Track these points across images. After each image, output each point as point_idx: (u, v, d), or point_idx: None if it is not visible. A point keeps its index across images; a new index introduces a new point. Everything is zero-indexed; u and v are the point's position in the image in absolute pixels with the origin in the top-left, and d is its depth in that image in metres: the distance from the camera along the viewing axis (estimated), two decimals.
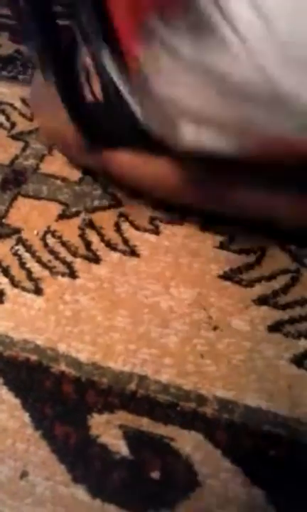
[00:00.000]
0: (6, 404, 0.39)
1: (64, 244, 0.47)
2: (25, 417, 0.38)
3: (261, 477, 0.36)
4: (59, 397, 0.39)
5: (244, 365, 0.40)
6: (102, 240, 0.47)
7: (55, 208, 0.49)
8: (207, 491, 0.36)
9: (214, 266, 0.45)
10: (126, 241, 0.47)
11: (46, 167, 0.53)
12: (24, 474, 0.35)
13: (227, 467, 0.36)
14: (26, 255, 0.46)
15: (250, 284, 0.44)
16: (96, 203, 0.50)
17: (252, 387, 0.39)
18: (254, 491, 0.36)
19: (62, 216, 0.49)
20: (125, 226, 0.48)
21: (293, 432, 0.37)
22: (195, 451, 0.37)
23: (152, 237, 0.47)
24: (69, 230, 0.48)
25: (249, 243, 0.46)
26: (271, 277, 0.44)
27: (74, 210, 0.49)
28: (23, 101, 0.59)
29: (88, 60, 0.38)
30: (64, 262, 0.46)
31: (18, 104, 0.59)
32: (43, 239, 0.47)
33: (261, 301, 0.43)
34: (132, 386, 0.39)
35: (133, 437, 0.37)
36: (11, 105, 0.58)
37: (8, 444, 0.37)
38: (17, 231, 0.48)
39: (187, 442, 0.37)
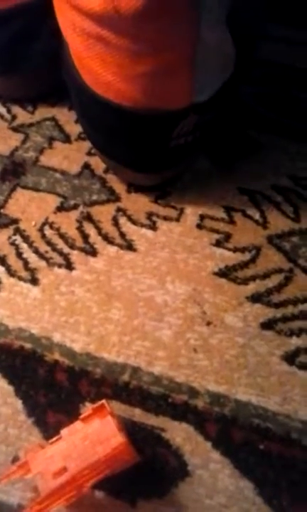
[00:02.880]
0: (0, 390, 0.39)
1: (61, 236, 0.47)
2: (18, 403, 0.38)
3: (250, 470, 0.37)
4: (52, 385, 0.39)
5: (236, 360, 0.41)
6: (100, 233, 0.48)
7: (54, 201, 0.50)
8: (197, 480, 0.36)
9: (210, 263, 0.46)
10: (123, 235, 0.47)
11: (46, 160, 0.53)
12: (15, 459, 0.35)
13: (217, 459, 0.37)
14: (23, 245, 0.47)
15: (244, 281, 0.45)
16: (94, 197, 0.50)
17: (244, 382, 0.40)
18: (243, 482, 0.36)
19: (60, 208, 0.49)
20: (122, 220, 0.48)
21: (282, 426, 0.38)
22: (185, 442, 0.37)
23: (149, 233, 0.48)
24: (67, 222, 0.48)
25: (245, 242, 0.47)
26: (265, 276, 0.45)
27: (72, 203, 0.50)
28: None
29: None
30: (61, 253, 0.46)
31: None
32: (41, 230, 0.48)
33: (255, 298, 0.44)
34: (125, 377, 0.40)
35: (125, 427, 0.37)
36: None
37: (0, 429, 0.37)
38: (15, 221, 0.48)
39: (178, 433, 0.38)
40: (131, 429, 0.37)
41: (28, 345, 0.41)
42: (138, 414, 0.38)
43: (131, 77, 0.38)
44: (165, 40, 0.36)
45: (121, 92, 0.39)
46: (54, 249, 0.47)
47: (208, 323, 0.43)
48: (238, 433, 0.38)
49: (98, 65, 0.38)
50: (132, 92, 0.39)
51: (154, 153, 0.46)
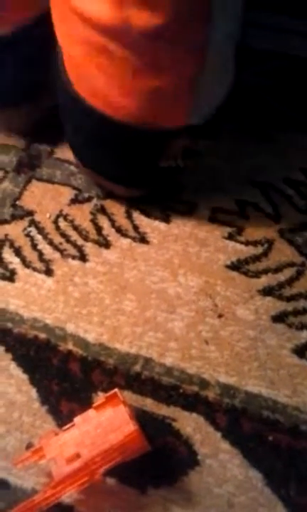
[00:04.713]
0: (15, 379, 0.40)
1: (75, 228, 0.48)
2: (33, 392, 0.39)
3: (259, 460, 0.37)
4: (65, 375, 0.40)
5: (246, 352, 0.41)
6: (113, 225, 0.48)
7: (68, 193, 0.50)
8: (206, 470, 0.37)
9: (222, 256, 0.46)
10: (136, 228, 0.48)
11: (61, 153, 0.53)
12: (29, 446, 0.36)
13: (226, 449, 0.37)
14: (38, 237, 0.47)
15: (256, 275, 0.45)
16: (108, 189, 0.51)
17: (254, 374, 0.40)
18: (252, 472, 0.37)
19: (74, 201, 0.50)
20: (136, 213, 0.49)
21: (292, 419, 0.39)
22: (195, 432, 0.38)
23: (162, 225, 0.48)
24: (81, 214, 0.49)
25: (257, 235, 0.47)
26: (277, 269, 0.45)
27: (86, 195, 0.50)
28: None
29: None
30: (75, 245, 0.47)
31: None
32: (55, 222, 0.48)
33: (267, 291, 0.44)
34: (137, 367, 0.41)
35: (137, 416, 0.38)
36: None
37: (15, 416, 0.38)
38: (30, 213, 0.49)
39: (189, 423, 0.38)
40: (142, 419, 0.38)
41: (42, 335, 0.42)
42: (149, 404, 0.39)
43: (130, 91, 0.38)
44: (172, 59, 0.36)
45: (117, 105, 0.39)
46: (68, 240, 0.47)
47: (220, 316, 0.43)
48: (247, 424, 0.38)
49: (97, 76, 0.38)
50: (129, 106, 0.39)
51: (143, 170, 0.46)
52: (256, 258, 0.46)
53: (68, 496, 0.34)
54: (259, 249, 0.47)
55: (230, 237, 0.47)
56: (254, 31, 0.59)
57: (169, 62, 0.36)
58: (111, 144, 0.44)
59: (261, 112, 0.55)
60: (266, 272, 0.45)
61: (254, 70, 0.57)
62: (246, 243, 0.47)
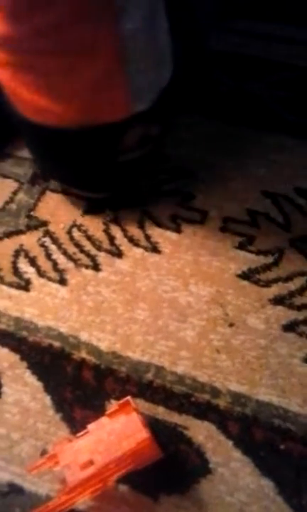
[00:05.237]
0: (29, 386, 0.40)
1: (89, 238, 0.49)
2: (47, 399, 0.40)
3: (271, 469, 0.37)
4: (79, 382, 0.41)
5: (257, 361, 0.42)
6: (125, 235, 0.49)
7: (81, 204, 0.51)
8: (218, 478, 0.37)
9: (233, 265, 0.47)
10: (148, 237, 0.49)
11: None
12: (44, 452, 0.37)
13: (238, 457, 0.38)
14: (52, 247, 0.48)
15: (267, 284, 0.46)
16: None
17: (265, 382, 0.41)
18: (264, 481, 0.37)
19: (87, 211, 0.51)
20: (148, 223, 0.50)
21: (303, 427, 0.39)
22: (207, 440, 0.38)
23: (173, 235, 0.49)
24: (94, 225, 0.50)
25: (268, 245, 0.48)
26: (287, 279, 0.46)
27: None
28: None
29: None
30: (88, 255, 0.48)
31: None
32: (69, 232, 0.49)
33: (277, 301, 0.45)
34: (149, 376, 0.41)
35: (149, 424, 0.38)
36: None
37: (29, 423, 0.39)
38: (44, 224, 0.50)
39: (200, 431, 0.39)
40: (154, 427, 0.38)
41: (56, 344, 0.42)
42: (161, 412, 0.39)
43: (61, 96, 0.38)
44: (82, 47, 0.35)
45: (54, 114, 0.39)
46: (82, 250, 0.48)
47: (231, 325, 0.44)
48: (259, 432, 0.39)
49: (26, 92, 0.38)
50: (66, 112, 0.39)
51: (103, 170, 0.46)
52: (267, 267, 0.47)
53: (82, 502, 0.34)
54: (270, 259, 0.47)
55: (241, 246, 0.48)
56: (265, 43, 0.60)
57: (81, 51, 0.36)
58: (65, 153, 0.44)
59: (272, 122, 0.55)
60: (276, 281, 0.46)
61: (267, 81, 0.58)
62: (257, 252, 0.47)
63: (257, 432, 0.39)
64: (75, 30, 0.35)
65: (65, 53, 0.36)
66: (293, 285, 0.45)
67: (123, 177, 0.48)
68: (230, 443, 0.38)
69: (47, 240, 0.49)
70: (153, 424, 0.38)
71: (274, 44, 0.61)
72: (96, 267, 0.47)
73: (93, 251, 0.48)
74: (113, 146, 0.43)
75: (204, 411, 0.40)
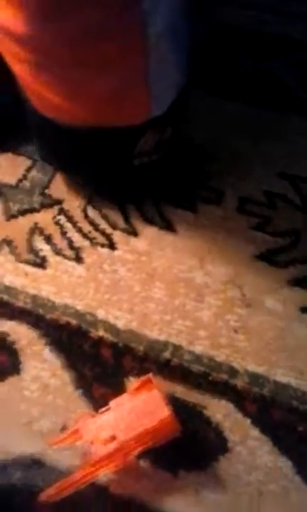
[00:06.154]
0: (48, 363, 0.40)
1: (104, 216, 0.48)
2: (66, 376, 0.40)
3: (289, 449, 0.37)
4: (97, 360, 0.41)
5: (275, 342, 0.42)
6: (141, 214, 0.48)
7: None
8: (236, 456, 0.37)
9: (250, 246, 0.46)
10: (164, 217, 0.48)
11: None
12: (64, 428, 0.37)
13: (256, 436, 0.38)
14: (68, 225, 0.48)
15: (284, 265, 0.45)
16: None
17: (282, 364, 0.41)
18: (281, 460, 0.37)
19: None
20: (163, 202, 0.49)
21: None
22: (225, 419, 0.38)
23: (189, 215, 0.48)
24: (109, 203, 0.49)
25: (285, 226, 0.48)
26: (304, 260, 0.46)
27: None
28: None
29: None
30: (103, 233, 0.47)
31: None
32: (84, 210, 0.49)
33: (295, 282, 0.44)
34: (167, 354, 0.41)
35: (168, 402, 0.38)
36: None
37: (49, 400, 0.39)
38: (59, 202, 0.49)
39: (218, 410, 0.39)
40: (173, 405, 0.38)
41: (74, 321, 0.42)
42: (179, 391, 0.39)
43: (80, 97, 0.37)
44: (105, 60, 0.35)
45: (71, 113, 0.39)
46: (97, 229, 0.48)
47: (248, 306, 0.44)
48: (277, 413, 0.39)
49: (44, 90, 0.37)
50: (82, 112, 0.38)
51: (118, 173, 0.45)
52: (284, 249, 0.46)
53: (103, 475, 0.34)
54: (287, 240, 0.47)
55: (258, 227, 0.48)
56: (289, 20, 0.59)
57: (105, 62, 0.35)
58: (82, 154, 0.43)
59: (292, 102, 0.55)
60: (293, 262, 0.46)
61: (287, 60, 0.57)
62: (274, 234, 0.47)
63: (275, 412, 0.39)
64: (100, 42, 0.34)
65: (86, 65, 0.35)
66: None
67: (137, 181, 0.47)
68: (248, 421, 0.38)
69: (62, 218, 0.48)
70: (171, 402, 0.38)
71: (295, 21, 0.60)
72: (111, 246, 0.47)
73: (108, 229, 0.48)
74: (129, 150, 0.43)
75: (222, 390, 0.40)
